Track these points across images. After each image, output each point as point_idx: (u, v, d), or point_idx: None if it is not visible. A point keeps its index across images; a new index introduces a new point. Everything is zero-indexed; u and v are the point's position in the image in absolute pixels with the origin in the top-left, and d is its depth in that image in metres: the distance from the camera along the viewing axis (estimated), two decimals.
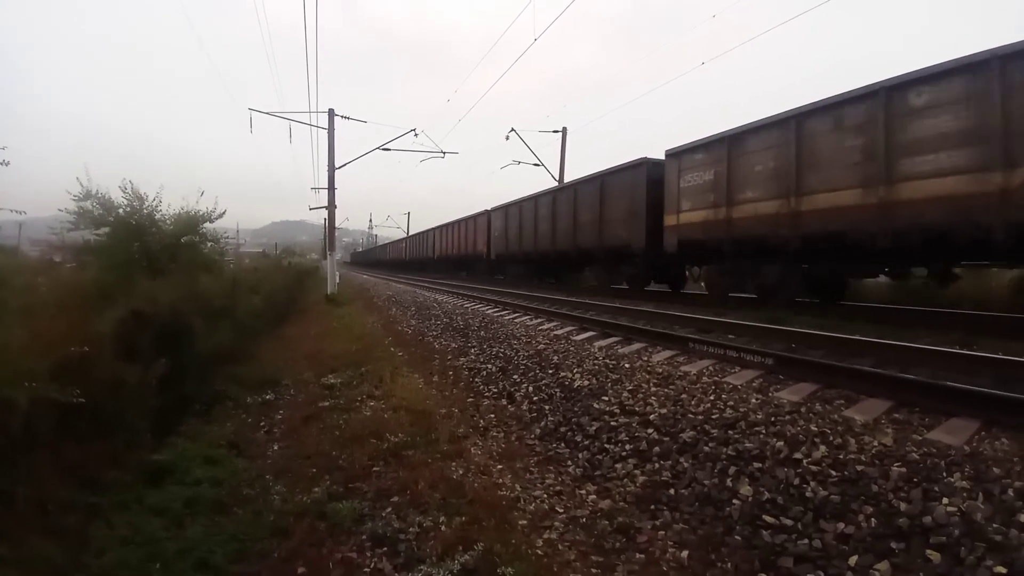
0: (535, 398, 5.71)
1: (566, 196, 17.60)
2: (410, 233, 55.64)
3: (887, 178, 8.01)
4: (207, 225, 11.19)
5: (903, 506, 2.74)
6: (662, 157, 13.02)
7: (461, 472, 4.14)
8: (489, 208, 25.13)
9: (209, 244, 11.60)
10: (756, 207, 10.28)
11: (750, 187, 10.44)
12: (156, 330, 6.36)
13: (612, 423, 4.61)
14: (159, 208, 10.09)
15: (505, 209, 22.83)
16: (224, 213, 11.41)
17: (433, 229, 36.99)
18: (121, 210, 9.52)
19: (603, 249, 15.33)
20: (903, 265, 9.17)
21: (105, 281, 7.57)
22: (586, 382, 5.58)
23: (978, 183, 7.02)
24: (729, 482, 3.43)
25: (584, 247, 16.36)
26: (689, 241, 12.04)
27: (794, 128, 9.45)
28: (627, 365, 5.81)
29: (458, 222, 30.04)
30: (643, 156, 13.91)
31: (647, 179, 13.50)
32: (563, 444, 4.67)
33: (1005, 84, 6.76)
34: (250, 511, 3.83)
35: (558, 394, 5.57)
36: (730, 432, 3.89)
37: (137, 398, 5.21)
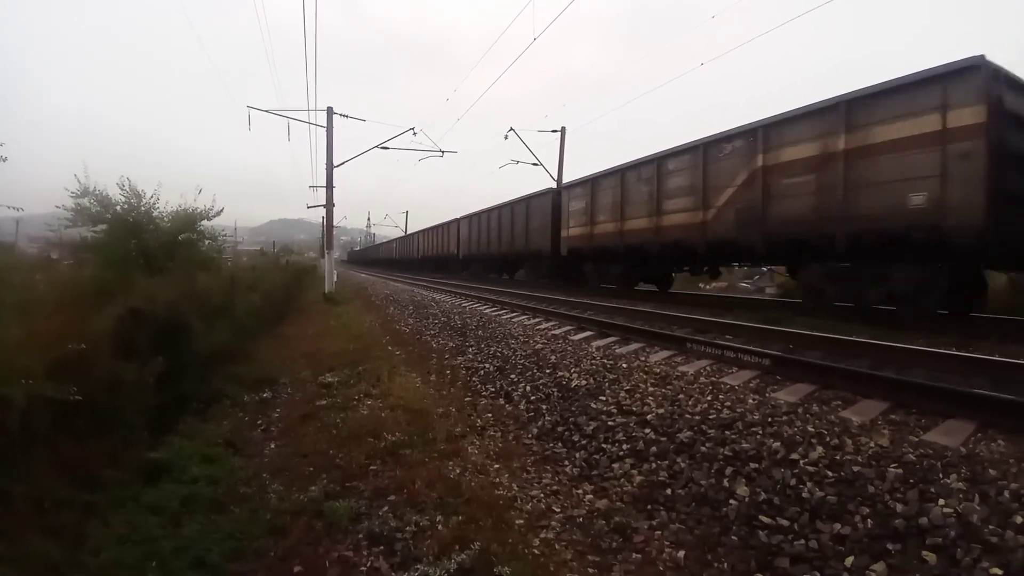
0: (532, 397, 5.71)
1: (507, 211, 22.58)
2: (408, 232, 55.79)
3: (658, 212, 12.90)
4: (205, 223, 11.19)
5: (899, 507, 2.75)
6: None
7: (458, 471, 4.14)
8: (459, 217, 29.83)
9: (207, 242, 11.60)
10: (605, 227, 15.40)
11: (601, 213, 15.55)
12: (154, 328, 6.36)
13: (609, 423, 4.61)
14: (157, 205, 10.09)
15: (470, 218, 27.56)
16: (222, 211, 11.41)
17: (418, 232, 42.59)
18: (119, 207, 9.51)
19: (528, 252, 20.71)
20: (669, 267, 14.80)
21: (102, 278, 7.56)
22: (583, 382, 5.58)
23: (693, 217, 11.71)
24: (726, 482, 3.44)
25: (518, 250, 21.68)
26: (574, 248, 17.20)
27: (620, 177, 14.54)
28: (624, 365, 5.82)
29: (437, 227, 34.95)
30: (550, 187, 20.38)
31: (552, 203, 18.77)
32: (560, 444, 4.67)
33: (705, 160, 11.33)
34: (247, 510, 3.83)
35: (555, 394, 5.57)
36: (727, 432, 3.89)
37: (134, 396, 5.21)
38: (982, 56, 6.83)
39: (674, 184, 12.39)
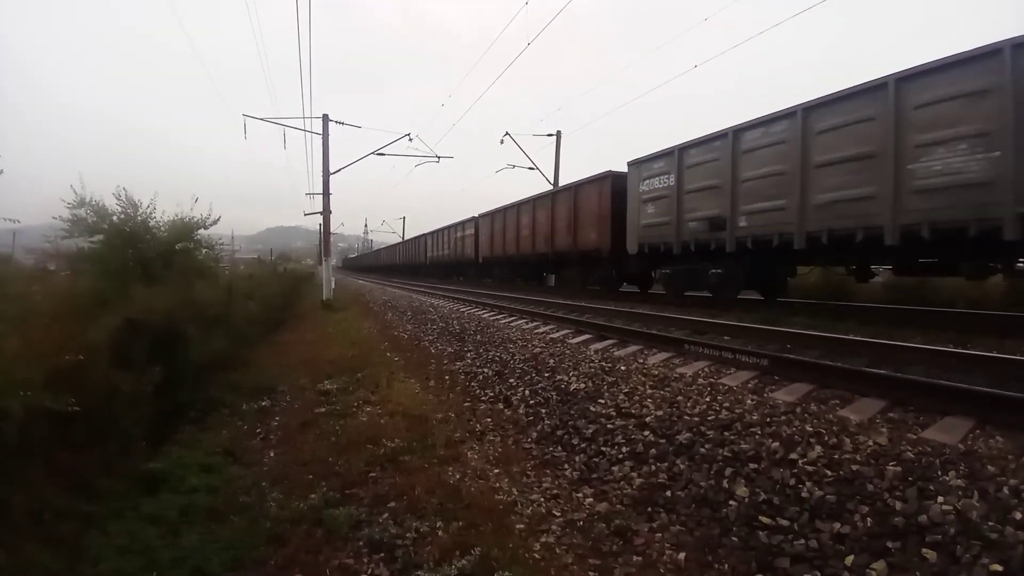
0: (531, 402, 5.70)
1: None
2: (405, 238, 55.27)
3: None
4: (202, 232, 11.19)
5: (899, 505, 2.75)
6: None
7: (458, 477, 4.14)
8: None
9: (204, 251, 11.60)
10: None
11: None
12: (151, 338, 6.36)
13: (608, 426, 4.61)
14: (153, 215, 10.09)
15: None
16: (219, 219, 11.42)
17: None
18: (115, 217, 9.51)
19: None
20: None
21: (99, 289, 7.55)
22: (582, 385, 5.58)
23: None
24: (725, 483, 3.44)
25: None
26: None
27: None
28: (623, 368, 5.82)
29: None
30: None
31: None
32: (560, 447, 4.67)
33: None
34: (246, 519, 3.82)
35: (554, 397, 5.57)
36: (726, 433, 3.90)
37: (132, 406, 5.21)
38: None
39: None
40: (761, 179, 9.81)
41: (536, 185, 40.49)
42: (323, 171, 20.88)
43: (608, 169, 15.04)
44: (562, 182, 22.93)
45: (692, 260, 12.05)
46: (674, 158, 11.98)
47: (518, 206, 20.64)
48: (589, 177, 15.83)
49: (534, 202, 19.26)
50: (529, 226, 19.40)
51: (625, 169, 13.94)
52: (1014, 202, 6.50)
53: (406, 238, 53.44)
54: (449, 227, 30.66)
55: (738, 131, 10.28)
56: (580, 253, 16.07)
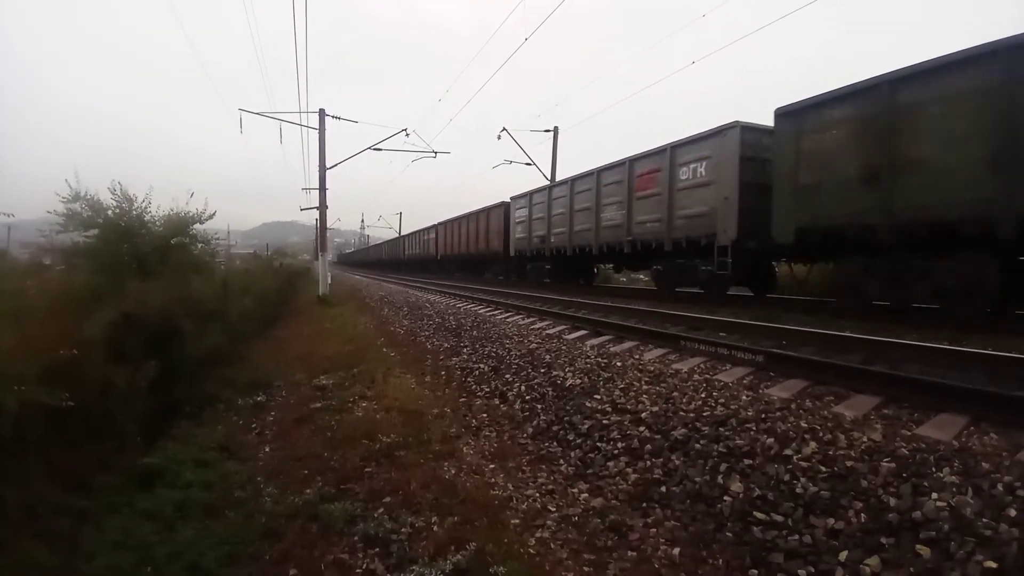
0: (527, 397, 5.71)
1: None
2: (402, 233, 54.98)
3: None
4: (197, 226, 11.15)
5: (893, 501, 2.75)
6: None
7: (453, 472, 4.14)
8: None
9: (199, 245, 11.55)
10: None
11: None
12: (146, 333, 6.34)
13: (604, 421, 4.61)
14: (148, 209, 10.04)
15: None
16: (214, 214, 11.37)
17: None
18: (110, 212, 9.46)
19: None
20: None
21: (95, 284, 7.52)
22: (578, 381, 5.58)
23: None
24: (720, 479, 3.44)
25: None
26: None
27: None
28: (619, 363, 5.82)
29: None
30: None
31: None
32: (555, 443, 4.67)
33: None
34: (242, 514, 3.82)
35: (550, 393, 5.57)
36: (721, 429, 3.90)
37: (127, 401, 5.20)
38: None
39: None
40: (577, 212, 16.16)
41: (533, 180, 40.43)
42: (319, 166, 20.85)
43: (503, 200, 22.08)
44: (559, 177, 23.00)
45: (538, 260, 19.64)
46: (527, 199, 19.55)
47: (462, 219, 25.34)
48: (494, 204, 23.00)
49: (468, 217, 24.36)
50: (466, 234, 25.01)
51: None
52: (723, 229, 10.60)
53: (401, 235, 53.33)
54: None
55: (567, 182, 17.03)
56: (491, 253, 22.28)
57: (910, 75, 7.63)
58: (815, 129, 8.99)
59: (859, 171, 8.22)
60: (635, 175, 13.43)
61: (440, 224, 30.10)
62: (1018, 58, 6.61)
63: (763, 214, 9.69)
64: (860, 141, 8.29)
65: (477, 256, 25.72)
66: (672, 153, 12.13)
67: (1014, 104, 6.57)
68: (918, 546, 2.49)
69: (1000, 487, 2.65)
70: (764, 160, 10.26)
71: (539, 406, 5.42)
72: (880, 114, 7.93)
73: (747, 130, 10.55)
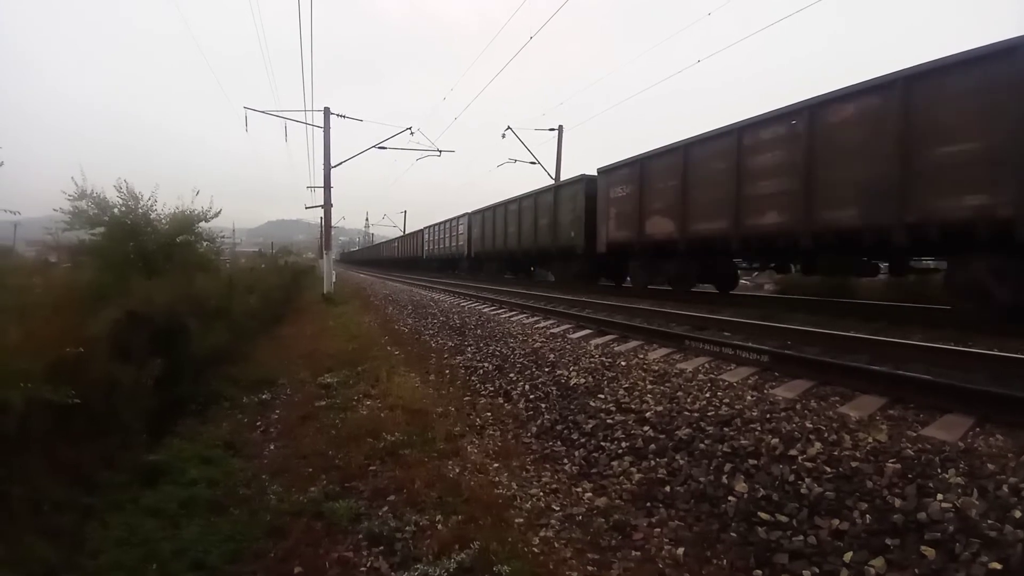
0: (531, 396, 5.71)
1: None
2: (406, 232, 55.20)
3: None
4: (203, 224, 11.16)
5: (898, 502, 2.75)
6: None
7: (457, 471, 4.14)
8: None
9: (205, 244, 11.56)
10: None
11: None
12: (151, 330, 6.35)
13: (608, 421, 4.61)
14: (154, 208, 10.06)
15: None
16: (220, 212, 11.37)
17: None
18: (116, 210, 9.48)
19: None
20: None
21: (100, 281, 7.55)
22: (582, 380, 5.58)
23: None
24: (724, 479, 3.44)
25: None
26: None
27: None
28: (623, 363, 5.82)
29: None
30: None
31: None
32: (559, 442, 4.67)
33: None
34: (246, 511, 3.83)
35: (554, 392, 5.57)
36: (725, 429, 3.90)
37: (132, 398, 5.21)
38: None
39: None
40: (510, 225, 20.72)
41: (538, 179, 40.39)
42: (324, 164, 20.87)
43: (466, 212, 26.29)
44: (563, 176, 23.01)
45: (486, 259, 24.14)
46: (479, 215, 24.16)
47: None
48: (452, 216, 27.90)
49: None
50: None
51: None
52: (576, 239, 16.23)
53: (406, 232, 53.45)
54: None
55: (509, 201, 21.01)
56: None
57: (648, 156, 12.97)
58: (614, 183, 14.20)
59: (633, 210, 13.27)
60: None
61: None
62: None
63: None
64: (632, 194, 13.38)
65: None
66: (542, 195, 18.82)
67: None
68: (923, 547, 2.49)
69: (1006, 488, 2.64)
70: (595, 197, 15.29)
71: (543, 405, 5.42)
72: (639, 178, 13.09)
73: (590, 181, 15.68)
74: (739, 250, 10.82)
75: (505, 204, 21.48)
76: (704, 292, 12.76)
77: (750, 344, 5.74)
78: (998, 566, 2.27)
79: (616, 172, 14.20)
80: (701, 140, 11.29)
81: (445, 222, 31.74)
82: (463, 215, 27.96)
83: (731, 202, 10.33)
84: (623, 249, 14.06)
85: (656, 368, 5.50)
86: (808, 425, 3.65)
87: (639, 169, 13.19)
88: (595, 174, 15.33)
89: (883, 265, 9.37)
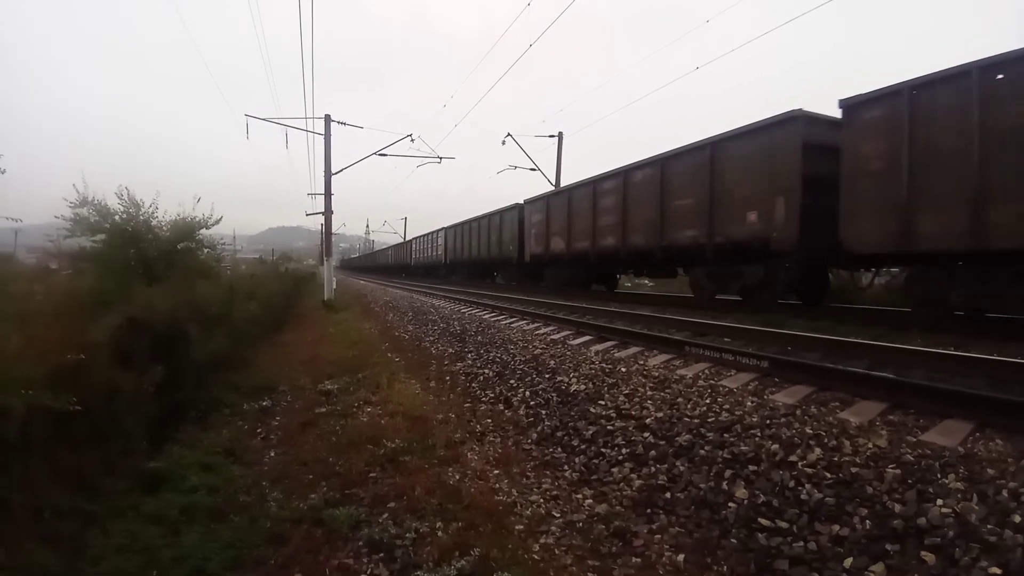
0: (532, 403, 5.71)
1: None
2: (406, 238, 55.08)
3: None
4: (203, 231, 11.18)
5: (898, 508, 2.75)
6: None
7: (458, 477, 4.14)
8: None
9: (205, 250, 11.58)
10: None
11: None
12: (152, 337, 6.36)
13: (608, 427, 4.61)
14: (155, 214, 10.09)
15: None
16: (220, 219, 11.39)
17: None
18: (117, 217, 9.50)
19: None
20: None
21: (101, 288, 7.56)
22: (582, 386, 5.58)
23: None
24: (725, 485, 3.44)
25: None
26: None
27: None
28: (623, 369, 5.82)
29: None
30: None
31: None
32: (560, 449, 4.67)
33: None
34: (247, 518, 3.83)
35: (555, 399, 5.57)
36: (726, 435, 3.90)
37: (133, 405, 5.21)
38: None
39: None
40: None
41: (538, 186, 40.44)
42: (325, 171, 20.91)
43: (443, 227, 28.69)
44: (563, 182, 23.10)
45: (459, 266, 26.75)
46: (452, 230, 27.05)
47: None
48: (433, 230, 29.93)
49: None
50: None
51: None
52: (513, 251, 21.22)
53: (407, 238, 53.48)
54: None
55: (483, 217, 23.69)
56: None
57: (553, 194, 18.34)
58: (533, 212, 19.22)
59: (543, 232, 18.06)
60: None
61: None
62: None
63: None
64: (543, 220, 18.01)
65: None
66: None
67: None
68: (923, 552, 2.49)
69: (1005, 493, 2.64)
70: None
71: (543, 412, 5.42)
72: (547, 209, 18.02)
73: (522, 208, 20.30)
74: (596, 263, 15.67)
75: (470, 222, 25.87)
76: (687, 296, 12.78)
77: (750, 350, 5.74)
78: (998, 571, 2.28)
79: (534, 203, 19.42)
80: (579, 186, 16.27)
81: (428, 234, 35.40)
82: (440, 229, 32.01)
83: (590, 230, 15.16)
84: (539, 259, 18.96)
85: (656, 374, 5.50)
86: (808, 431, 3.66)
87: (546, 203, 18.34)
88: (410, 237, 24.73)
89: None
